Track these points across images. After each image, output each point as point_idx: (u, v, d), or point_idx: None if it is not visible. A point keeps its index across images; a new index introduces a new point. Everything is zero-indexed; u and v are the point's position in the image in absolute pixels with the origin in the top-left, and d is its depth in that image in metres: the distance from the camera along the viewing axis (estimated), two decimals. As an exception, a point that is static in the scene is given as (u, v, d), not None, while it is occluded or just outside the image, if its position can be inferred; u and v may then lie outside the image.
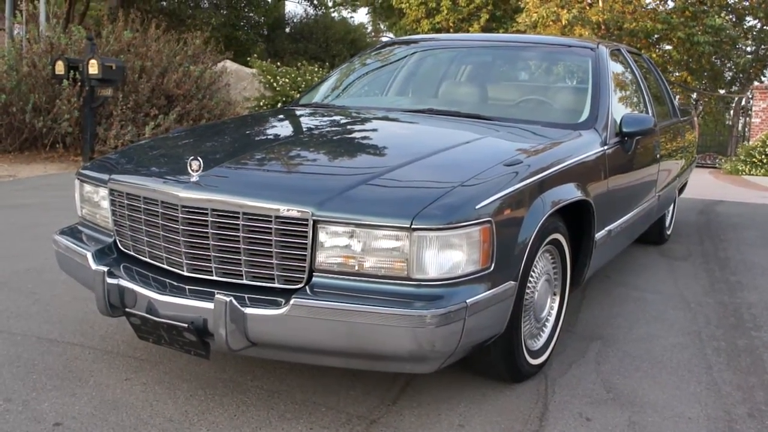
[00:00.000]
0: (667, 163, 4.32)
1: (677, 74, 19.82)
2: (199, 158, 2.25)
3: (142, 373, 2.59)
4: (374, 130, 3.21)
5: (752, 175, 11.70)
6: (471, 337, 2.13)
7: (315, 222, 2.07)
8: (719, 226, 5.99)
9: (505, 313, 2.28)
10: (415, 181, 2.30)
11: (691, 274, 4.31)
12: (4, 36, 10.34)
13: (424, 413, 2.36)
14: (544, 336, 2.75)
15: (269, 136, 3.25)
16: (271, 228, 2.11)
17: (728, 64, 20.27)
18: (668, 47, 18.75)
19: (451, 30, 21.26)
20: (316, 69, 13.80)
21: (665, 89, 4.94)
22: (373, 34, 29.44)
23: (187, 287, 2.23)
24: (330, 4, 25.62)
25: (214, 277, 2.22)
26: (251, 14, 21.61)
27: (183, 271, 2.28)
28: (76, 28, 9.94)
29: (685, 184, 5.47)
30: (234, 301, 2.03)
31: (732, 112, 20.93)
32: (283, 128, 3.45)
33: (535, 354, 2.66)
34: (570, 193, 2.69)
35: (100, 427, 2.20)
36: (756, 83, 17.17)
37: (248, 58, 14.90)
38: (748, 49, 20.02)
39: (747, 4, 18.88)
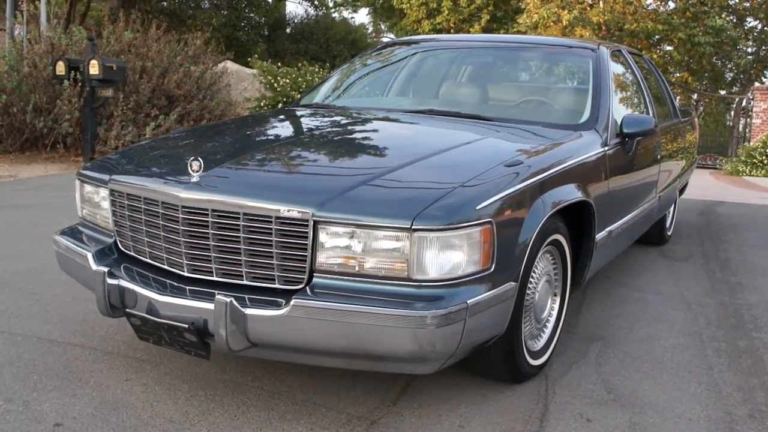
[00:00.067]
0: (668, 164, 4.32)
1: (678, 75, 19.83)
2: (199, 159, 2.25)
3: (143, 374, 2.59)
4: (375, 130, 3.21)
5: (753, 176, 11.70)
6: (471, 337, 2.13)
7: (315, 222, 2.07)
8: (720, 227, 5.99)
9: (505, 313, 2.28)
10: (415, 182, 2.30)
11: (691, 274, 4.31)
12: (5, 36, 10.34)
13: (425, 414, 2.35)
14: (545, 337, 2.75)
15: (270, 137, 3.25)
16: (271, 228, 2.11)
17: (729, 65, 20.27)
18: (669, 48, 18.74)
19: (452, 31, 21.26)
20: (316, 69, 13.81)
21: (666, 90, 4.94)
22: (373, 34, 29.45)
23: (187, 288, 2.23)
24: (331, 4, 25.63)
25: (215, 278, 2.23)
26: (252, 15, 21.62)
27: (183, 271, 2.28)
28: (77, 28, 9.95)
29: (685, 185, 5.47)
30: (234, 302, 2.03)
31: (732, 112, 20.95)
32: (283, 129, 3.45)
33: (536, 355, 2.66)
34: (570, 193, 2.69)
35: (101, 428, 2.20)
36: (757, 84, 17.16)
37: (249, 59, 14.90)
38: (749, 50, 20.01)
39: (748, 4, 18.88)
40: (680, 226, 5.74)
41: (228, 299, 2.02)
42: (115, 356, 2.74)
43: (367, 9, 27.18)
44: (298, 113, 3.61)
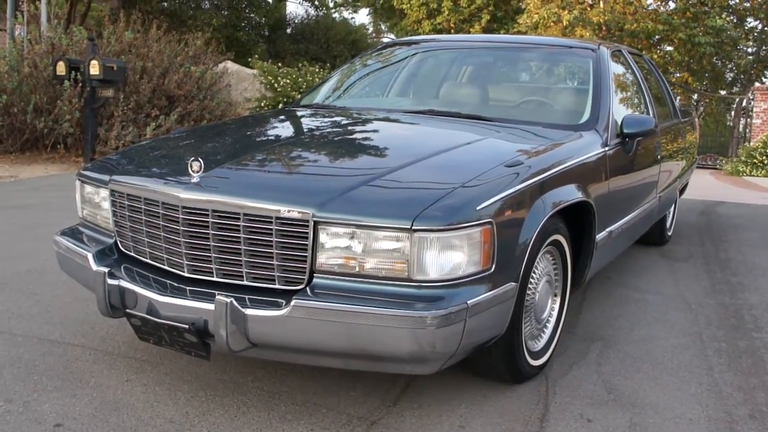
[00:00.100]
0: (668, 164, 4.31)
1: (678, 75, 19.83)
2: (199, 159, 2.25)
3: (143, 374, 2.59)
4: (375, 131, 3.21)
5: (753, 176, 11.70)
6: (472, 338, 2.13)
7: (316, 223, 2.07)
8: (720, 227, 5.98)
9: (505, 314, 2.28)
10: (415, 182, 2.30)
11: (692, 275, 4.31)
12: (6, 37, 10.35)
13: (425, 414, 2.35)
14: (545, 337, 2.75)
15: (270, 137, 3.25)
16: (271, 229, 2.11)
17: (729, 65, 20.27)
18: (669, 48, 18.75)
19: (452, 31, 21.26)
20: (317, 70, 13.80)
21: (666, 90, 4.94)
22: (374, 35, 29.43)
23: (187, 288, 2.24)
24: (331, 4, 25.63)
25: (215, 278, 2.23)
26: (252, 15, 21.61)
27: (184, 272, 2.28)
28: (78, 28, 9.95)
29: (685, 185, 5.46)
30: (234, 302, 2.03)
31: (733, 113, 20.95)
32: (284, 129, 3.45)
33: (536, 355, 2.66)
34: (571, 194, 2.69)
35: (101, 428, 2.20)
36: (757, 84, 17.15)
37: (249, 59, 14.90)
38: (749, 50, 20.02)
39: (748, 5, 18.88)
40: (680, 226, 5.74)
41: (228, 300, 2.02)
42: (115, 357, 2.74)
43: (368, 9, 27.19)
44: (299, 113, 3.61)
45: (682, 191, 5.39)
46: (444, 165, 2.48)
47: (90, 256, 2.47)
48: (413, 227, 2.01)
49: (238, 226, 2.15)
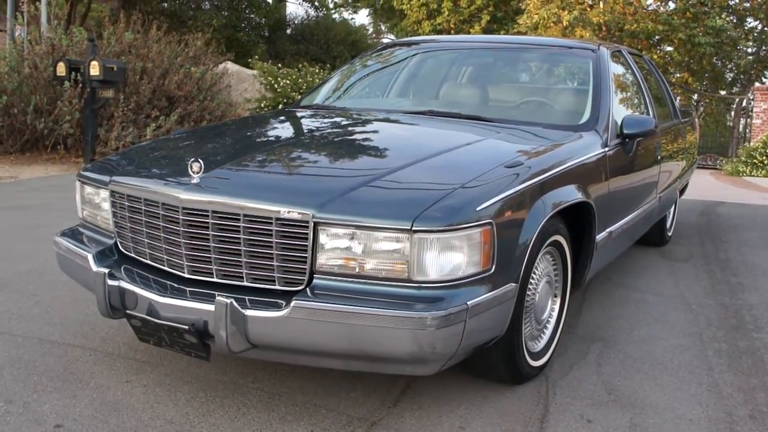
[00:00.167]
0: (668, 165, 4.31)
1: (678, 75, 19.82)
2: (200, 160, 2.25)
3: (143, 375, 2.59)
4: (375, 131, 3.21)
5: (753, 176, 11.70)
6: (472, 339, 2.12)
7: (316, 224, 2.07)
8: (720, 227, 5.98)
9: (506, 314, 2.28)
10: (415, 183, 2.30)
11: (692, 275, 4.31)
12: (6, 37, 10.35)
13: (425, 415, 2.35)
14: (545, 338, 2.75)
15: (270, 138, 3.25)
16: (271, 230, 2.11)
17: (729, 66, 20.26)
18: (669, 48, 18.74)
19: (452, 31, 21.26)
20: (317, 70, 13.81)
21: (666, 90, 4.94)
22: (374, 35, 29.43)
23: (187, 289, 2.24)
24: (331, 5, 25.63)
25: (215, 279, 2.23)
26: (252, 16, 21.61)
27: (184, 272, 2.28)
28: (78, 29, 9.95)
29: (686, 186, 5.46)
30: (235, 303, 2.03)
31: (733, 113, 20.94)
32: (284, 130, 3.45)
33: (536, 356, 2.66)
34: (571, 194, 2.69)
35: (101, 429, 2.20)
36: (757, 84, 17.16)
37: (249, 60, 14.91)
38: (749, 50, 20.02)
39: (748, 5, 18.87)
40: (681, 226, 5.74)
41: (228, 300, 2.02)
42: (115, 358, 2.74)
43: (368, 10, 27.19)
44: (299, 114, 3.61)
45: (682, 191, 5.39)
46: (444, 166, 2.48)
47: (90, 257, 2.47)
48: (413, 228, 2.01)
49: (238, 227, 2.15)
